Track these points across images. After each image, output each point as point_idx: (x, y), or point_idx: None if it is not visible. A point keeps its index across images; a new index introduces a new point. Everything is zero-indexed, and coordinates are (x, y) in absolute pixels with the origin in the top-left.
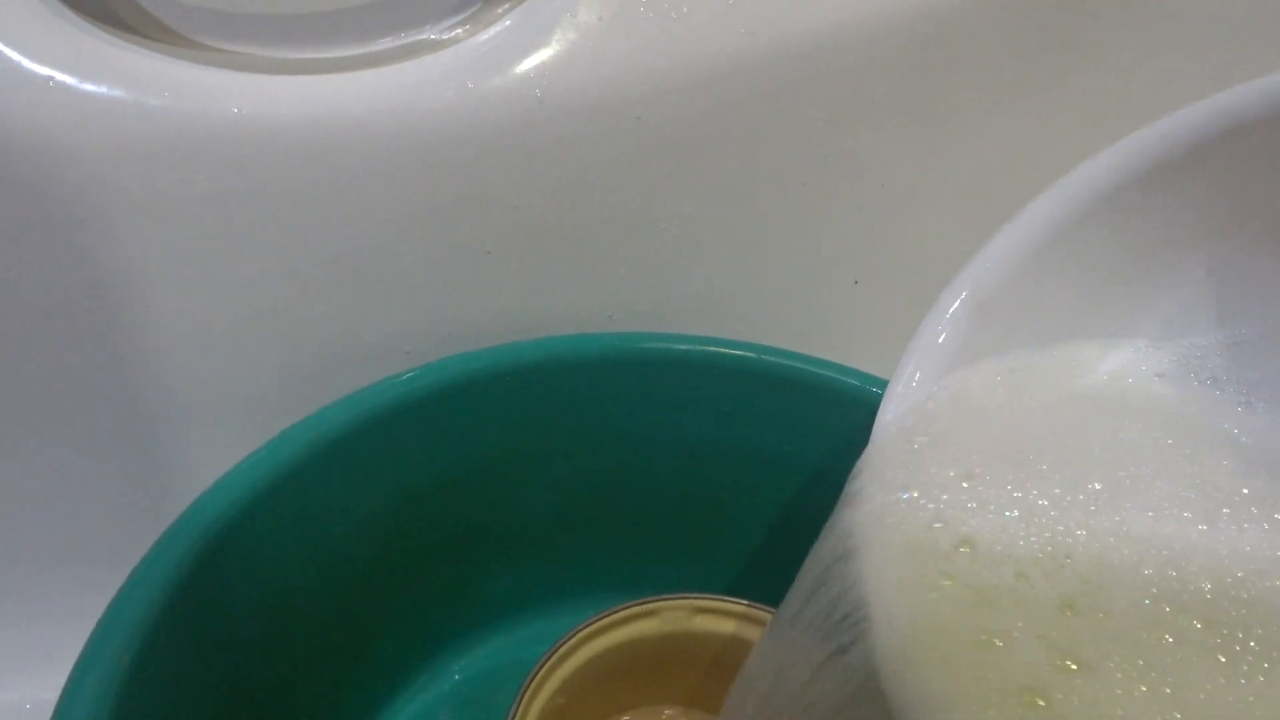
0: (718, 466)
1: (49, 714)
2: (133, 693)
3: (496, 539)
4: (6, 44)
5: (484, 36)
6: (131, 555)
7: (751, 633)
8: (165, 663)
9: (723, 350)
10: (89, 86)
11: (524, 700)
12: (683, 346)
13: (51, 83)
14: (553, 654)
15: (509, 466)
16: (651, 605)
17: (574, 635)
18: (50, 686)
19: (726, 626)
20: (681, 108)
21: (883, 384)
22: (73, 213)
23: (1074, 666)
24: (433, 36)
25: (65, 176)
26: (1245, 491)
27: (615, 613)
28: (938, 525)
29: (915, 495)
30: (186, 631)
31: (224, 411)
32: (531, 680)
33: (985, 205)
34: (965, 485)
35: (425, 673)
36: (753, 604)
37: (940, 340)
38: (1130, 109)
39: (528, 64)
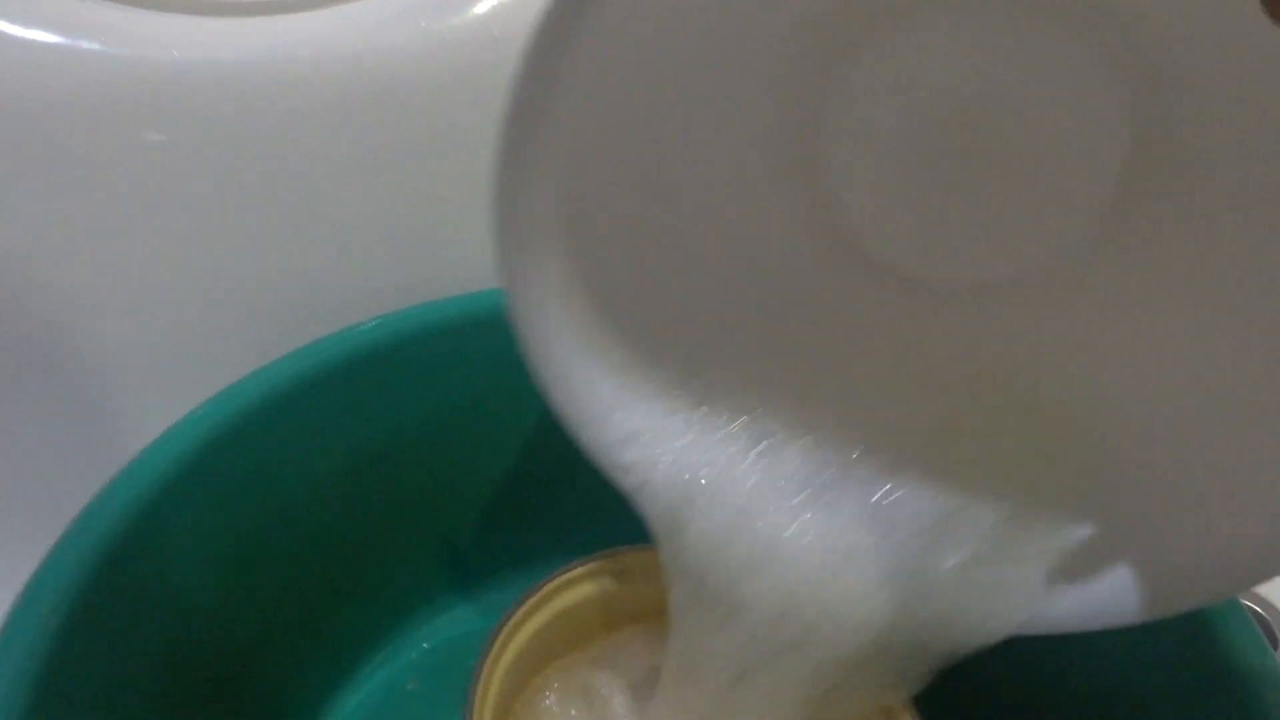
0: None
1: None
2: (62, 658)
3: (463, 498)
4: None
5: None
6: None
7: None
8: (100, 626)
9: None
10: (22, 33)
11: (489, 660)
12: None
13: None
14: (518, 608)
15: (474, 421)
16: (621, 557)
17: (541, 589)
18: None
19: None
20: None
21: None
22: (7, 165)
23: None
24: None
25: None
26: None
27: (584, 564)
28: None
29: None
30: (124, 593)
31: (176, 365)
32: (496, 636)
33: None
34: None
35: (392, 641)
36: None
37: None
38: None
39: (484, 4)
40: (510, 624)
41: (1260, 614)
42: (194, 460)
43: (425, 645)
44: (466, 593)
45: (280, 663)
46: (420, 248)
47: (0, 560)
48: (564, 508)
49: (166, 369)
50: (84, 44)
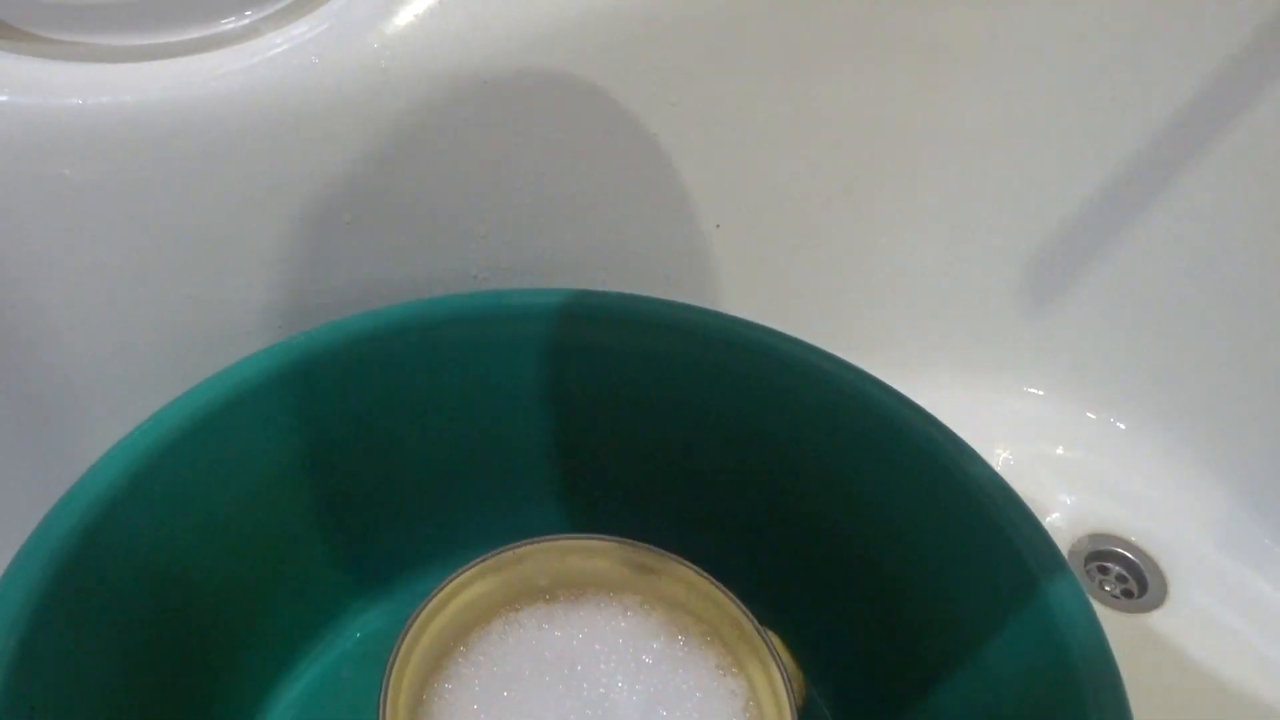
0: (591, 411)
1: None
2: (23, 675)
3: (382, 499)
4: None
5: (327, 9)
6: (13, 543)
7: (624, 568)
8: (56, 643)
9: (586, 300)
10: None
11: (399, 655)
12: (546, 300)
13: None
14: (424, 607)
15: (386, 428)
16: (521, 550)
17: (446, 585)
18: None
19: (598, 564)
20: (528, 66)
21: (732, 320)
22: None
23: None
24: (274, 11)
25: None
26: None
27: (485, 560)
28: None
29: None
30: (75, 611)
31: (97, 397)
32: (404, 636)
33: (843, 140)
34: None
35: (326, 635)
36: (624, 540)
37: None
38: (977, 40)
39: (372, 36)
40: (425, 612)
41: (1132, 560)
42: (126, 485)
43: (358, 635)
44: (392, 585)
45: (222, 660)
46: (325, 271)
47: None
48: (476, 500)
49: (89, 394)
50: None
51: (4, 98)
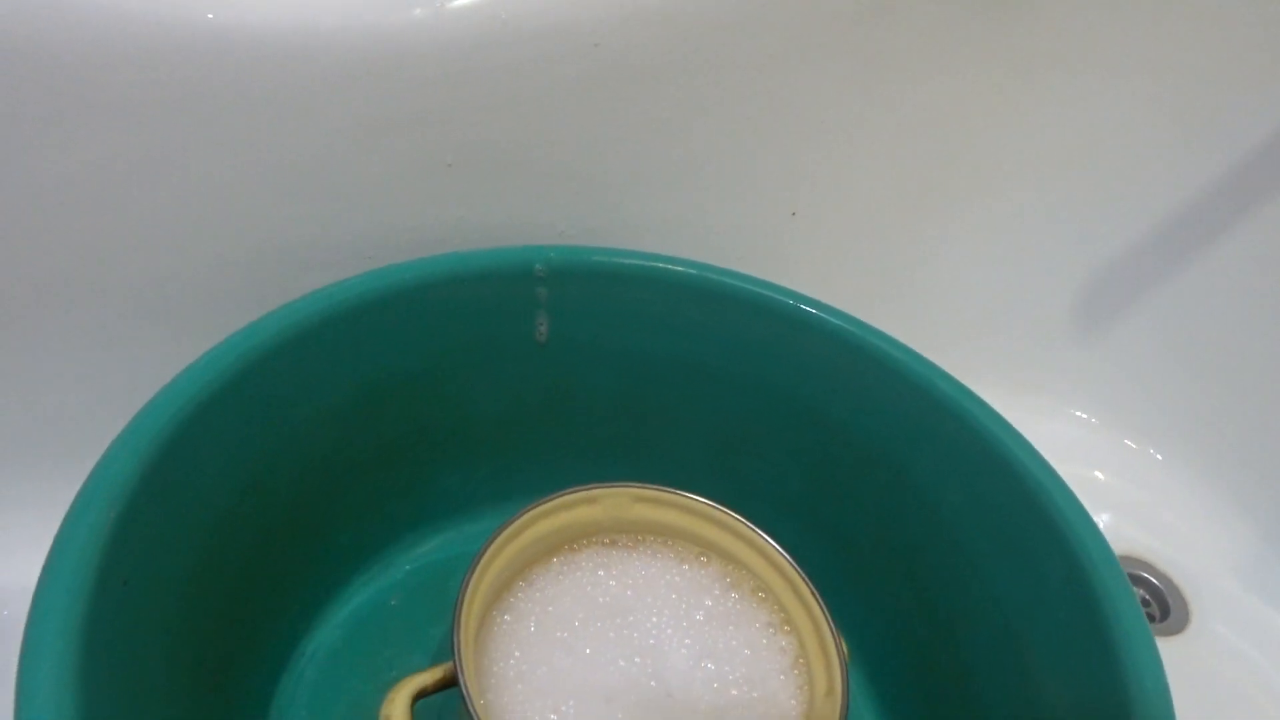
0: (657, 374)
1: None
2: (120, 548)
3: (448, 437)
4: None
5: None
6: (107, 441)
7: (687, 521)
8: (148, 524)
9: (665, 266)
10: None
11: (475, 575)
12: (628, 261)
13: None
14: (501, 532)
15: (461, 368)
16: (594, 492)
17: (522, 515)
18: (20, 571)
19: (664, 515)
20: (637, 37)
21: (811, 301)
22: (44, 111)
23: None
24: None
25: (38, 76)
26: None
27: (560, 496)
28: None
29: None
30: (165, 497)
31: (194, 306)
32: (481, 557)
33: (918, 147)
34: None
35: (379, 562)
36: (690, 495)
37: None
38: (1058, 60)
39: None
40: (493, 546)
41: (1155, 584)
42: (219, 388)
43: (408, 567)
44: (446, 523)
45: (284, 570)
46: (420, 208)
47: (29, 478)
48: (536, 451)
49: (191, 298)
50: (126, 2)
51: (137, 5)
